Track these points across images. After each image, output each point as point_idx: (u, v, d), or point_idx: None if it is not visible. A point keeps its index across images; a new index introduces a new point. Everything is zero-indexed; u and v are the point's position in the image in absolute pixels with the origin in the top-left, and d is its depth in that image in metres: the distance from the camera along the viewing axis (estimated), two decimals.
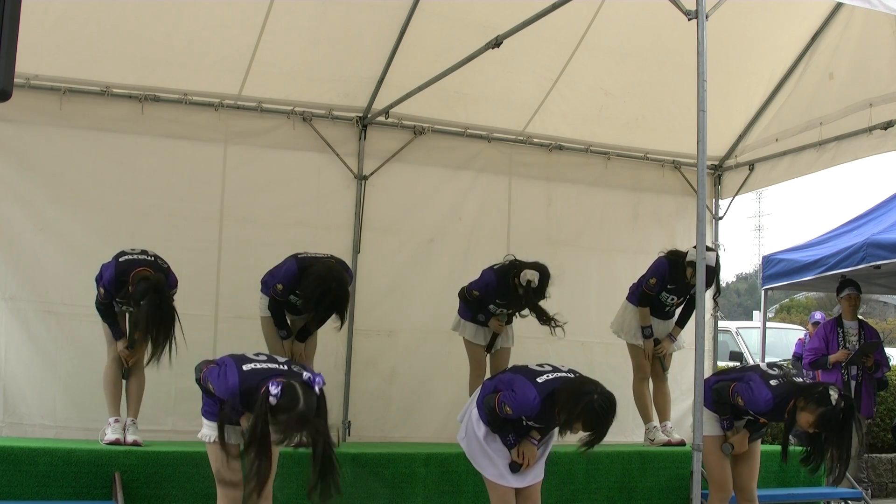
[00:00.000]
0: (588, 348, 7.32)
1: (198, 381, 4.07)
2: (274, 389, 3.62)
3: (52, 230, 6.15)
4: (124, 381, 5.35)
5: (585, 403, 4.01)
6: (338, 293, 5.27)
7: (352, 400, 6.82)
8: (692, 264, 6.22)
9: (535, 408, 4.16)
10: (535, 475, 4.48)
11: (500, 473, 4.40)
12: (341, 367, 6.83)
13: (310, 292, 5.29)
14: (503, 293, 6.01)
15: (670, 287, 6.35)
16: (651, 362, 6.52)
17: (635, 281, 6.59)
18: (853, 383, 7.83)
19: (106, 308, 5.27)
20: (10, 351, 6.03)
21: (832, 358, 7.89)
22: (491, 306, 6.14)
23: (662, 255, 6.44)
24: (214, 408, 4.02)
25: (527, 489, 4.47)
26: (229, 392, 3.84)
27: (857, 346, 7.91)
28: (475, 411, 4.49)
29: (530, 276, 5.81)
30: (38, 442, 5.19)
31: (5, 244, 6.07)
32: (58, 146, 6.18)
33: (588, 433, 4.09)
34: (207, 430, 4.09)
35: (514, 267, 5.96)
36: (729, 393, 4.70)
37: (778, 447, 6.66)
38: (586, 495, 5.57)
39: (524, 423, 4.34)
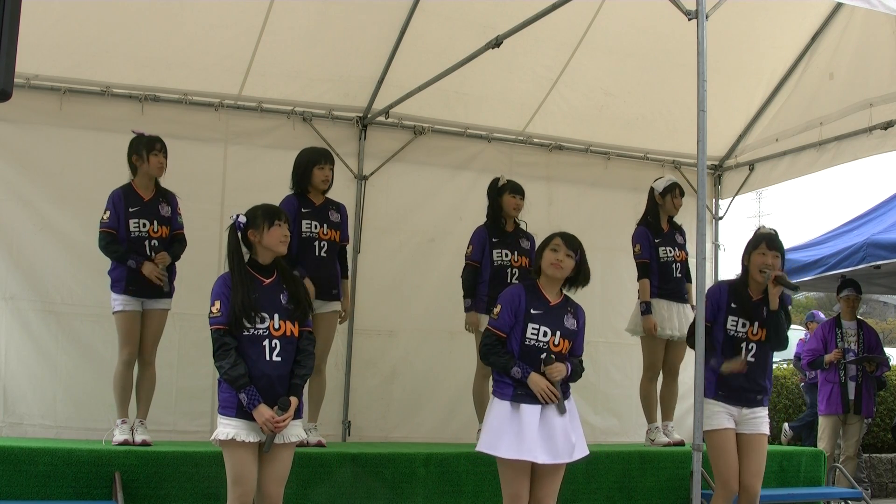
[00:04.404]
0: (592, 347, 7.19)
1: (214, 352, 3.90)
2: (238, 216, 4.18)
3: (52, 230, 6.15)
4: (134, 382, 5.32)
5: None
6: (311, 149, 5.83)
7: (352, 400, 6.83)
8: (664, 191, 6.36)
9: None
10: (549, 450, 3.93)
11: (494, 444, 3.94)
12: (341, 367, 6.82)
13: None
14: (494, 226, 6.04)
15: (657, 241, 6.33)
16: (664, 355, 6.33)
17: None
18: (853, 384, 7.83)
19: None
20: (11, 351, 6.03)
21: (827, 358, 7.89)
22: (494, 253, 5.99)
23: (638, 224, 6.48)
24: (233, 399, 3.80)
25: (544, 477, 3.98)
26: (221, 280, 4.15)
27: (853, 346, 7.90)
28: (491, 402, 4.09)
29: (501, 180, 6.12)
30: (38, 442, 5.18)
31: (5, 244, 6.07)
32: (58, 146, 6.18)
33: None
34: (224, 429, 3.80)
35: (493, 188, 6.15)
36: None
37: (778, 447, 6.67)
38: (586, 495, 5.56)
39: None
